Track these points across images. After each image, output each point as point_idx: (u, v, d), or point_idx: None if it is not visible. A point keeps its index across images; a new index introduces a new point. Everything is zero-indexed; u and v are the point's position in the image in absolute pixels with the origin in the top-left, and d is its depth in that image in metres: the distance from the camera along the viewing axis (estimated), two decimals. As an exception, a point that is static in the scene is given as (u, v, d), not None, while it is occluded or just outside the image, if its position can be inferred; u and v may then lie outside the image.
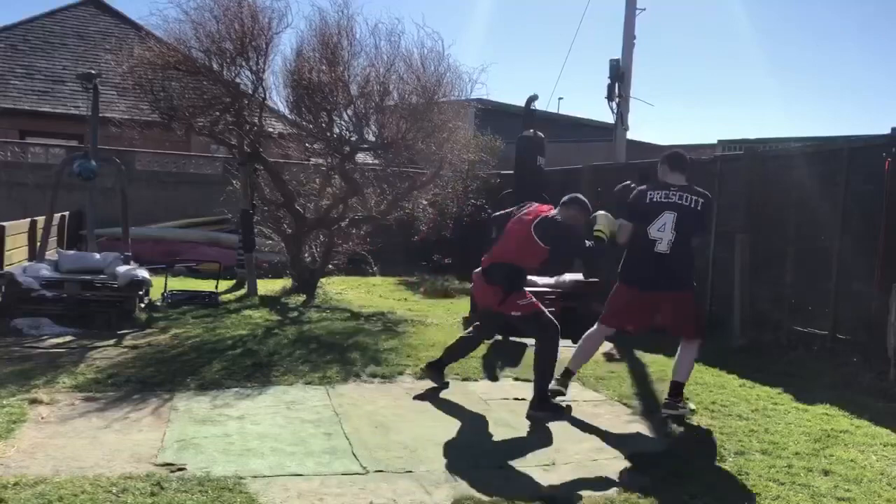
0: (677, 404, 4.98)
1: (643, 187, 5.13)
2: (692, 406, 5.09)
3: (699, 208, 4.96)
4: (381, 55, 9.18)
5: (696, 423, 4.82)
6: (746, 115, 59.07)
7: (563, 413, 4.97)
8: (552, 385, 5.12)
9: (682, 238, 4.92)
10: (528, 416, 4.90)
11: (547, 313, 5.23)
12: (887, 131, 6.54)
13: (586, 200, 5.20)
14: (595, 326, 5.32)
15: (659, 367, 6.41)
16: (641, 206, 5.02)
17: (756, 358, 6.84)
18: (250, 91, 9.34)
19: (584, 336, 5.36)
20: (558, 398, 5.17)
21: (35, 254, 8.56)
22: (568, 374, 5.31)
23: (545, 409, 4.93)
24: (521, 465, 4.01)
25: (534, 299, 5.25)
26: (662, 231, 4.91)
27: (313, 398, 5.11)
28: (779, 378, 5.94)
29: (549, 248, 5.07)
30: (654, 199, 4.99)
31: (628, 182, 5.39)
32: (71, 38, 17.58)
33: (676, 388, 5.03)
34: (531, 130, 8.64)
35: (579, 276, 8.46)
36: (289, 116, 10.32)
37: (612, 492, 3.66)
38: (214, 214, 12.33)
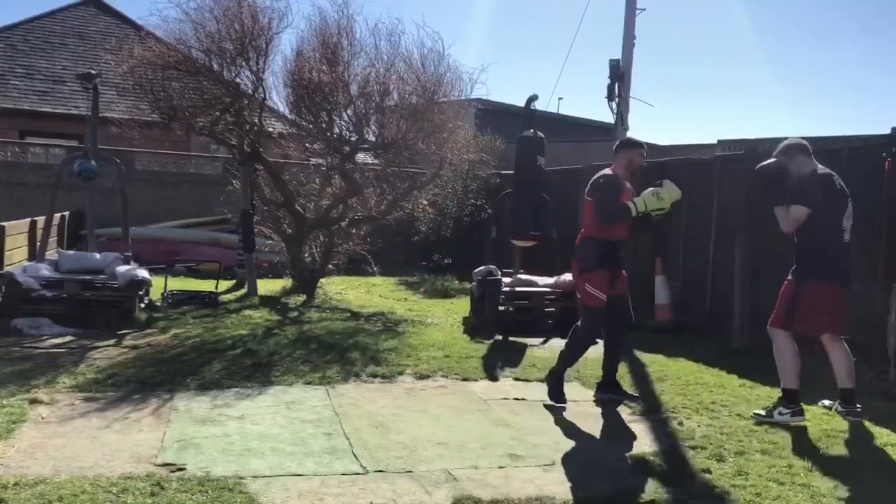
0: (855, 409, 4.88)
1: (824, 170, 4.91)
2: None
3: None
4: (381, 55, 9.21)
5: (696, 423, 4.82)
6: (746, 115, 59.03)
7: (561, 403, 5.14)
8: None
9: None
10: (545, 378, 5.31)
11: (598, 317, 5.10)
12: (887, 131, 6.54)
13: (630, 138, 5.12)
14: (780, 338, 4.94)
15: (659, 366, 6.42)
16: (832, 191, 4.81)
17: (756, 358, 6.81)
18: (250, 91, 9.35)
19: (777, 354, 4.97)
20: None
21: (35, 254, 8.57)
22: (793, 394, 4.89)
23: (551, 385, 5.24)
24: (520, 464, 4.01)
25: (600, 296, 5.03)
26: (849, 220, 4.83)
27: (313, 398, 5.11)
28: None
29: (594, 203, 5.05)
30: (840, 186, 4.83)
31: (780, 160, 4.97)
32: (71, 38, 17.59)
33: (848, 395, 4.92)
34: (531, 130, 8.63)
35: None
36: (289, 116, 10.34)
37: (613, 492, 3.66)
38: (214, 214, 12.34)
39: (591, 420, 4.92)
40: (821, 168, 4.96)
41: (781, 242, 7.37)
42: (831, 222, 4.80)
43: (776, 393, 5.61)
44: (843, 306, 4.89)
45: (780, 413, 4.80)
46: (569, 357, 5.32)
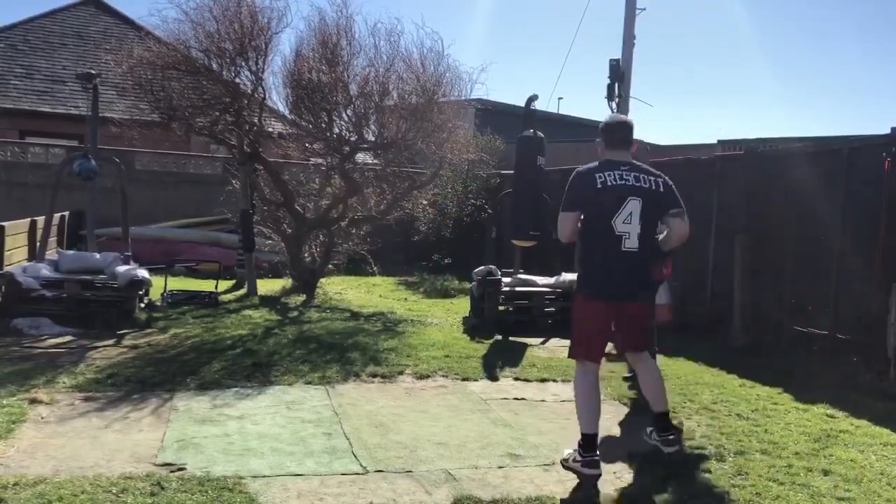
0: (669, 437, 4.01)
1: (585, 168, 4.01)
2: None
3: (662, 189, 3.94)
4: (381, 55, 9.21)
5: (696, 423, 4.82)
6: (746, 115, 59.14)
7: None
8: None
9: (649, 230, 3.96)
10: None
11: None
12: (887, 131, 6.54)
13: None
14: (576, 373, 4.00)
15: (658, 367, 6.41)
16: (592, 192, 3.90)
17: (756, 358, 6.83)
18: (250, 91, 9.35)
19: (575, 392, 4.00)
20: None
21: (35, 254, 8.56)
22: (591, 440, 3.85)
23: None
24: (520, 464, 4.01)
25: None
26: (629, 223, 3.85)
27: (313, 398, 5.11)
28: (779, 378, 5.94)
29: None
30: (609, 183, 3.87)
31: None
32: (71, 38, 17.57)
33: (663, 419, 4.04)
34: (531, 130, 8.63)
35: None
36: (289, 116, 10.33)
37: (612, 492, 3.66)
38: (214, 214, 12.33)
39: (590, 420, 4.91)
40: (603, 159, 4.05)
41: (780, 243, 7.41)
42: (596, 228, 3.94)
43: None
44: (611, 324, 3.96)
45: (574, 460, 3.85)
46: None
